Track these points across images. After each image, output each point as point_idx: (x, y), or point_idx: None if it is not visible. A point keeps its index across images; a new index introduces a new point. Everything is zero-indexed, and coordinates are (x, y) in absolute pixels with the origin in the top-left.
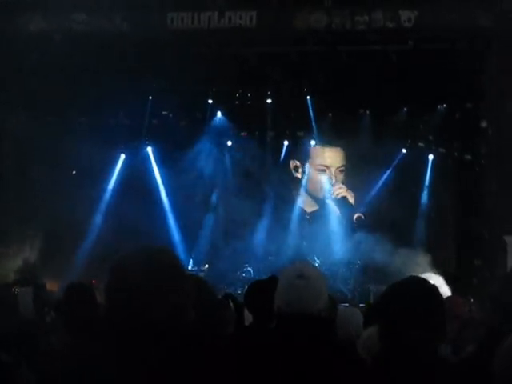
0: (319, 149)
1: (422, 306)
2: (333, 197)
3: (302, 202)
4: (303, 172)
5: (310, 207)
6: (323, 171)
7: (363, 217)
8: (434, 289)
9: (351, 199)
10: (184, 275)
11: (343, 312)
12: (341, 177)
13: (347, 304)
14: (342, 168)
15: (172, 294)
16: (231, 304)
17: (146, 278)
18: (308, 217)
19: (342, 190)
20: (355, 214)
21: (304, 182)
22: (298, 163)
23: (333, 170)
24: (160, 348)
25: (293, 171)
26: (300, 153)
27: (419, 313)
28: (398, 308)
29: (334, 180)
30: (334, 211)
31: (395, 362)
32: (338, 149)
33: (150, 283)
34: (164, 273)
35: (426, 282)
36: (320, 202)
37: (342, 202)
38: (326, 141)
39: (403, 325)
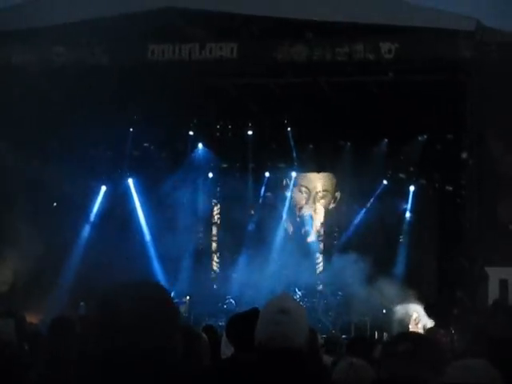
0: (308, 173)
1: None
2: (301, 213)
3: (286, 222)
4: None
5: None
6: (305, 193)
7: None
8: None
9: (316, 219)
10: (174, 308)
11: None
12: (322, 201)
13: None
14: (324, 193)
15: (162, 327)
16: (204, 336)
17: (135, 312)
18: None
19: (310, 209)
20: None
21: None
22: (288, 181)
23: (313, 192)
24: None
25: (283, 189)
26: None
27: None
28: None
29: (311, 201)
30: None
31: None
32: (326, 174)
33: (139, 317)
34: (154, 306)
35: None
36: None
37: (305, 219)
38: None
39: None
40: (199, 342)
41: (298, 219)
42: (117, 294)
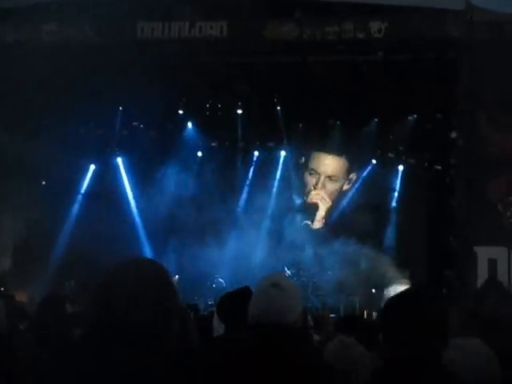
0: (320, 154)
1: (421, 317)
2: (308, 200)
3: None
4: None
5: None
6: (312, 175)
7: None
8: (432, 299)
9: (322, 207)
10: (172, 286)
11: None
12: (330, 185)
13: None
14: (333, 177)
15: (161, 304)
16: (191, 315)
17: (135, 288)
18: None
19: (317, 197)
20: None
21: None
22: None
23: (322, 176)
24: (144, 362)
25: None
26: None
27: (420, 324)
28: (397, 319)
29: (319, 185)
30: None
31: (399, 374)
32: (338, 158)
33: (138, 294)
34: (154, 283)
35: (423, 291)
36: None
37: (311, 208)
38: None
39: (405, 336)
40: (190, 320)
41: (286, 199)
42: (118, 271)
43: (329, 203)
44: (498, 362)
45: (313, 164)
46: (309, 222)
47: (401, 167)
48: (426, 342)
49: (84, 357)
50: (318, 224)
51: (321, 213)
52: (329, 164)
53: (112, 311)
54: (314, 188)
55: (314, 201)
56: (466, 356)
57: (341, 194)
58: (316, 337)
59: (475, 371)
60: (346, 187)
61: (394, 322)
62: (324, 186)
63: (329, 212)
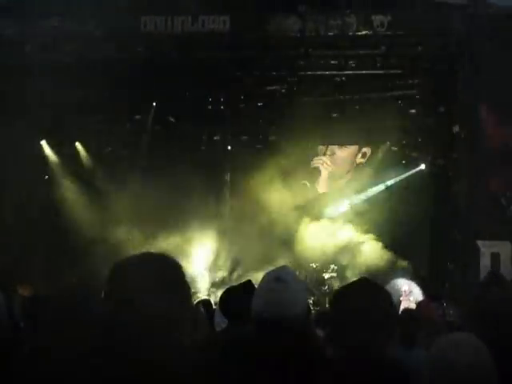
0: None
1: (366, 308)
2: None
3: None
4: None
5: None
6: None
7: None
8: (380, 289)
9: (324, 171)
10: (186, 281)
11: None
12: (340, 152)
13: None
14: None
15: (176, 298)
16: (202, 309)
17: (150, 283)
18: None
19: (318, 162)
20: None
21: None
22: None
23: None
24: (155, 355)
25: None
26: None
27: (364, 314)
28: (344, 310)
29: (328, 152)
30: None
31: (345, 365)
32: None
33: (152, 288)
34: (167, 276)
35: (370, 282)
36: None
37: (313, 173)
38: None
39: (350, 327)
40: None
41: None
42: (132, 265)
43: (331, 168)
44: (491, 357)
45: None
46: (306, 182)
47: (404, 161)
48: (368, 335)
49: (96, 353)
50: (320, 188)
51: (323, 177)
52: None
53: (125, 306)
54: (324, 154)
55: (316, 165)
56: (459, 351)
57: (356, 168)
58: (319, 332)
59: (469, 367)
60: (359, 160)
61: (337, 312)
62: (333, 153)
63: (336, 177)
